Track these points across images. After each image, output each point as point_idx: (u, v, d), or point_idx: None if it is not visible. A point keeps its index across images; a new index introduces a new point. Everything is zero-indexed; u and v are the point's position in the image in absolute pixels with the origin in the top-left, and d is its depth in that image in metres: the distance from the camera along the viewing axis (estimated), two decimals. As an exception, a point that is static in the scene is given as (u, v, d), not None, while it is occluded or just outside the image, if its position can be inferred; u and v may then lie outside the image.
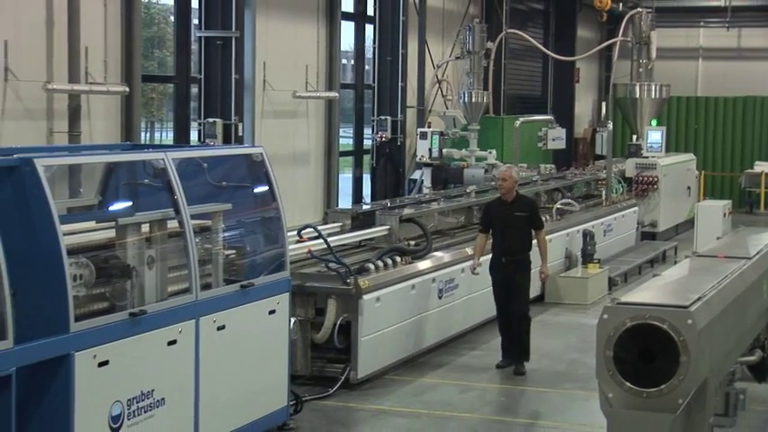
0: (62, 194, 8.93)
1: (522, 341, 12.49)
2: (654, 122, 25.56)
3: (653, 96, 25.37)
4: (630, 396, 6.89)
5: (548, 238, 16.76)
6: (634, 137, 25.21)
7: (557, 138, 24.58)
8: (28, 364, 7.08)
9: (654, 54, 25.25)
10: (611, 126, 23.21)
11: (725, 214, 19.68)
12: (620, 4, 30.78)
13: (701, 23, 34.27)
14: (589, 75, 34.36)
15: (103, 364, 7.69)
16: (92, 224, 8.76)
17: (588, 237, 17.56)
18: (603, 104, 30.50)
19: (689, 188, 25.43)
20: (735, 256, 9.51)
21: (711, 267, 8.94)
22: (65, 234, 7.51)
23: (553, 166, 23.97)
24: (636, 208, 22.01)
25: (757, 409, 10.58)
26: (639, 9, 26.09)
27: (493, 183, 19.79)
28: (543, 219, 13.97)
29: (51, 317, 7.31)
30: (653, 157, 24.07)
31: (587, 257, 17.35)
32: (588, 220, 18.75)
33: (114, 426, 7.84)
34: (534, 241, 12.81)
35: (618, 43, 25.87)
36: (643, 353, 6.92)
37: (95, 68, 14.79)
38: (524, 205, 12.72)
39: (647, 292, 7.78)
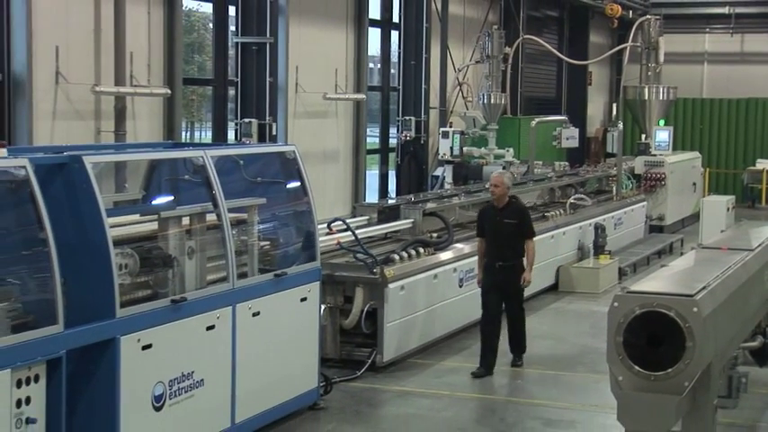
0: (109, 189, 8.97)
1: (519, 337, 12.04)
2: (661, 122, 25.50)
3: (661, 98, 25.32)
4: (639, 379, 6.88)
5: (562, 231, 16.95)
6: (643, 136, 25.17)
7: (570, 137, 24.52)
8: (77, 347, 7.13)
9: (662, 58, 25.18)
10: (621, 126, 23.24)
11: (728, 209, 19.62)
12: (630, 12, 30.75)
13: (707, 29, 34.16)
14: (601, 78, 34.27)
15: (147, 347, 7.74)
16: (136, 217, 8.81)
17: (600, 230, 17.54)
18: (614, 105, 30.34)
19: (694, 184, 25.35)
20: (738, 248, 9.49)
21: (716, 258, 8.92)
22: (111, 226, 7.55)
23: (567, 163, 23.98)
24: (644, 203, 21.94)
25: (759, 392, 10.55)
26: (648, 16, 26.05)
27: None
28: (535, 225, 12.83)
29: (99, 303, 7.35)
30: (661, 155, 24.03)
31: (599, 249, 17.33)
32: (600, 214, 18.71)
33: (157, 405, 7.88)
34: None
35: (628, 48, 25.78)
36: (651, 338, 6.91)
37: (140, 72, 14.84)
38: (515, 212, 11.79)
39: (655, 282, 7.77)
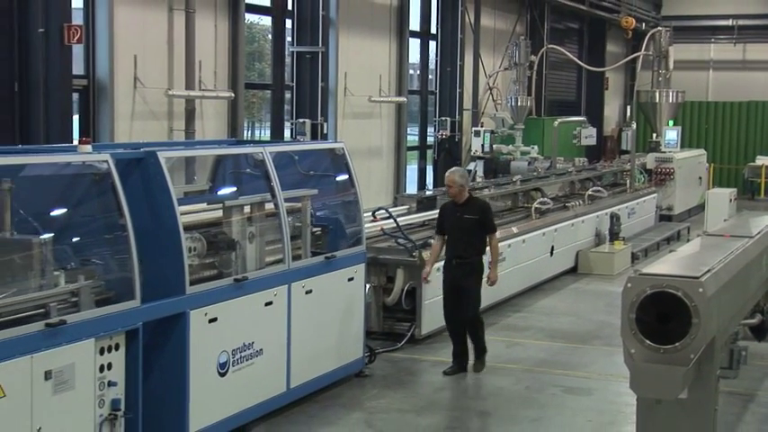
0: (180, 181, 9.02)
1: (477, 340, 10.48)
2: (671, 123, 25.37)
3: (670, 101, 25.18)
4: (649, 351, 6.85)
5: (581, 220, 16.88)
6: (654, 135, 25.01)
7: (589, 136, 24.45)
8: (152, 319, 7.19)
9: (671, 65, 25.03)
10: (634, 126, 23.18)
11: (730, 200, 19.47)
12: (643, 24, 30.62)
13: (712, 40, 33.98)
14: (616, 83, 34.16)
15: (213, 320, 7.78)
16: (203, 206, 8.85)
17: (614, 218, 17.47)
18: (628, 108, 30.25)
19: (700, 178, 25.20)
20: (739, 235, 9.43)
21: (719, 244, 8.86)
22: (182, 214, 7.59)
23: (585, 159, 23.87)
24: (655, 194, 21.81)
25: (757, 364, 10.48)
26: (659, 28, 25.91)
27: (534, 173, 19.79)
28: (497, 222, 11.12)
29: (171, 281, 7.41)
30: (670, 152, 23.87)
31: (614, 236, 17.27)
32: (615, 204, 18.61)
33: (221, 371, 7.93)
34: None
35: (641, 56, 25.63)
36: (660, 316, 6.88)
37: (207, 77, 14.91)
38: (475, 208, 10.33)
39: (665, 265, 7.73)
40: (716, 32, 33.70)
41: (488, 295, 13.14)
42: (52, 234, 6.77)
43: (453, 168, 10.73)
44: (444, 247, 10.43)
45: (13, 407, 6.02)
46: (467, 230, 10.21)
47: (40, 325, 6.25)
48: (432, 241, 10.86)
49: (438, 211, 10.99)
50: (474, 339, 10.39)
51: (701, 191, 24.21)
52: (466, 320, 10.34)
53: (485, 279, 10.43)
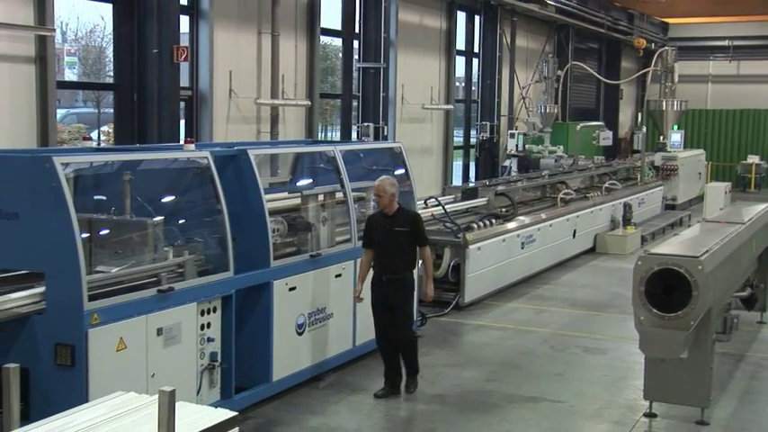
0: (265, 174, 9.08)
1: (409, 362, 8.18)
2: (675, 127, 25.11)
3: (675, 109, 24.87)
4: (656, 318, 6.81)
5: (599, 208, 16.71)
6: (661, 137, 24.73)
7: (606, 138, 24.26)
8: (243, 288, 7.26)
9: (676, 79, 24.72)
10: (644, 130, 22.96)
11: (725, 192, 19.10)
12: (653, 44, 30.26)
13: (711, 57, 33.64)
14: (629, 93, 33.85)
15: (292, 289, 7.84)
16: (285, 194, 8.91)
17: (627, 207, 17.29)
18: (639, 114, 29.95)
19: (700, 174, 24.90)
20: (733, 222, 9.32)
21: (716, 229, 8.77)
22: (267, 201, 7.65)
23: (603, 157, 23.69)
24: (661, 187, 21.58)
25: (746, 329, 10.39)
26: (666, 47, 25.55)
27: (560, 169, 19.63)
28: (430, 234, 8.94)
29: (258, 257, 7.47)
30: (674, 151, 23.67)
31: (626, 221, 17.09)
32: (627, 195, 18.42)
33: (299, 331, 7.98)
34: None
35: (650, 71, 25.25)
36: (666, 288, 6.83)
37: (289, 89, 14.99)
38: (406, 219, 7.99)
39: (669, 246, 7.66)
40: (714, 51, 33.43)
41: (520, 270, 13.15)
42: (163, 217, 6.85)
43: (382, 177, 8.15)
44: (373, 263, 8.10)
45: (133, 357, 6.12)
46: (397, 244, 7.93)
47: (153, 291, 6.34)
48: (362, 257, 8.23)
49: (366, 221, 8.31)
50: (406, 361, 8.17)
51: (701, 184, 23.91)
52: (398, 340, 8.09)
53: (422, 295, 8.32)
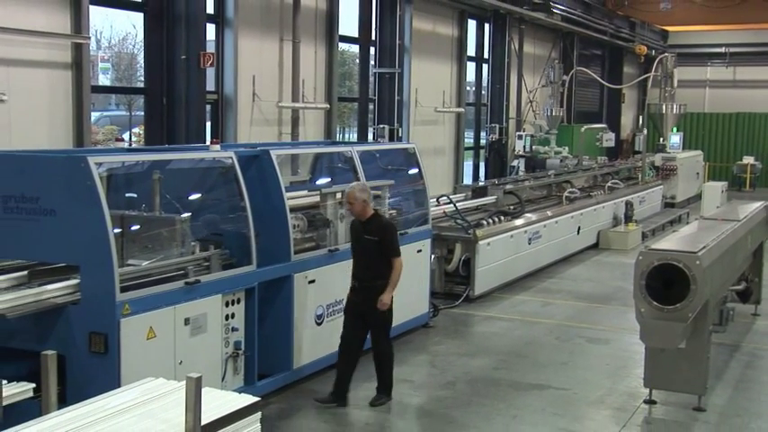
0: (286, 173, 9.08)
1: (382, 377, 7.50)
2: (674, 129, 25.00)
3: (674, 112, 24.74)
4: (656, 310, 6.78)
5: (602, 205, 16.66)
6: (661, 139, 24.61)
7: (609, 139, 24.15)
8: (265, 280, 7.26)
9: (675, 84, 24.59)
10: (645, 132, 22.90)
11: (722, 191, 19.15)
12: (653, 51, 30.13)
13: (708, 63, 33.52)
14: (631, 97, 33.72)
15: (311, 281, 7.85)
16: (305, 192, 8.90)
17: (629, 205, 17.23)
18: (640, 117, 29.83)
19: (698, 173, 24.76)
20: (729, 219, 9.27)
21: (713, 226, 8.73)
22: (288, 198, 7.65)
23: (606, 158, 23.57)
24: (661, 186, 21.48)
25: (741, 321, 10.33)
26: (666, 54, 25.42)
27: (565, 168, 19.56)
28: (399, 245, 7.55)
29: (279, 251, 7.47)
30: (673, 152, 23.56)
31: (628, 218, 17.03)
32: (629, 193, 18.35)
33: (318, 321, 8.00)
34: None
35: (651, 76, 25.13)
36: (665, 282, 6.81)
37: (309, 92, 15.00)
38: (376, 228, 7.31)
39: (669, 242, 7.63)
40: (711, 58, 33.33)
41: (527, 264, 13.11)
42: (190, 213, 6.87)
43: (353, 183, 7.70)
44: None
45: (162, 345, 6.14)
46: (367, 251, 7.31)
47: (180, 283, 6.36)
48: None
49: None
50: (379, 373, 7.49)
51: (699, 184, 23.81)
52: (377, 354, 7.49)
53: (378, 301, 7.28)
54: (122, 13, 12.25)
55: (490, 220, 12.34)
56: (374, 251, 7.27)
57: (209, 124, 13.10)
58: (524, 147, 22.86)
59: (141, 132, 12.71)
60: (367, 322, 7.37)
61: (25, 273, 6.08)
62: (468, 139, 22.56)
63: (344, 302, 7.55)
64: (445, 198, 12.44)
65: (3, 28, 9.80)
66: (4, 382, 4.83)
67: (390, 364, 7.51)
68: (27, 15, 10.19)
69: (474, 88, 22.84)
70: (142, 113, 12.60)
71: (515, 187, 14.85)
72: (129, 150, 8.35)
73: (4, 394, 4.72)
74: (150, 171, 6.75)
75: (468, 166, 22.52)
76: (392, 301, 7.34)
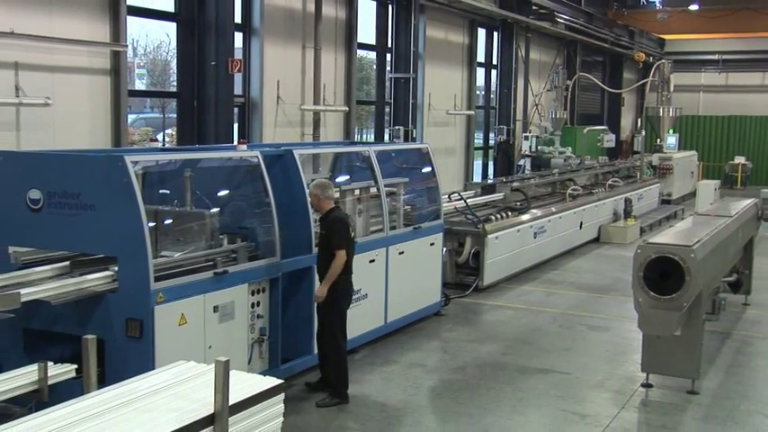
0: (308, 171, 9.07)
1: (325, 374, 6.99)
2: (671, 131, 24.90)
3: (670, 115, 24.66)
4: (653, 300, 6.76)
5: (603, 202, 16.58)
6: (658, 140, 24.52)
7: (609, 140, 24.02)
8: (288, 271, 7.26)
9: (672, 88, 24.51)
10: (643, 133, 22.72)
11: (715, 189, 19.09)
12: (651, 57, 30.02)
13: (702, 70, 33.39)
14: (630, 101, 33.56)
15: (332, 272, 7.83)
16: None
17: (628, 201, 17.13)
18: (639, 120, 29.67)
19: (692, 172, 24.65)
20: (721, 215, 9.22)
21: (706, 222, 8.68)
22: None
23: (607, 157, 23.50)
24: (658, 184, 21.36)
25: (733, 310, 10.28)
26: (663, 60, 25.33)
27: (568, 167, 19.48)
28: (346, 238, 6.94)
29: (301, 244, 7.45)
30: (670, 153, 23.49)
31: (627, 214, 16.95)
32: (628, 191, 18.25)
33: (338, 308, 7.97)
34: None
35: (649, 82, 24.99)
36: (662, 274, 6.78)
37: (329, 96, 15.00)
38: (326, 223, 6.90)
39: (665, 236, 7.59)
40: (705, 64, 33.22)
41: (533, 257, 13.07)
42: (218, 209, 6.91)
43: (315, 180, 7.33)
44: None
45: (192, 330, 6.16)
46: (321, 245, 6.95)
47: (209, 273, 6.38)
48: None
49: None
50: (328, 366, 6.96)
51: (693, 182, 23.67)
52: (322, 341, 7.01)
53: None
54: (157, 23, 12.30)
55: (498, 216, 12.31)
56: (324, 245, 6.91)
57: (236, 126, 13.12)
58: (530, 147, 22.79)
59: (174, 133, 12.75)
60: (320, 318, 7.01)
61: (67, 263, 6.14)
62: (478, 140, 22.51)
63: None
64: (456, 195, 12.42)
65: (48, 37, 9.86)
66: (50, 363, 4.88)
67: (338, 363, 6.87)
68: (70, 26, 10.25)
69: (483, 92, 22.77)
70: (175, 116, 12.64)
71: (522, 185, 14.81)
72: (163, 150, 8.39)
73: (49, 374, 4.77)
74: (182, 169, 6.77)
75: (477, 165, 22.47)
76: (344, 296, 6.89)
